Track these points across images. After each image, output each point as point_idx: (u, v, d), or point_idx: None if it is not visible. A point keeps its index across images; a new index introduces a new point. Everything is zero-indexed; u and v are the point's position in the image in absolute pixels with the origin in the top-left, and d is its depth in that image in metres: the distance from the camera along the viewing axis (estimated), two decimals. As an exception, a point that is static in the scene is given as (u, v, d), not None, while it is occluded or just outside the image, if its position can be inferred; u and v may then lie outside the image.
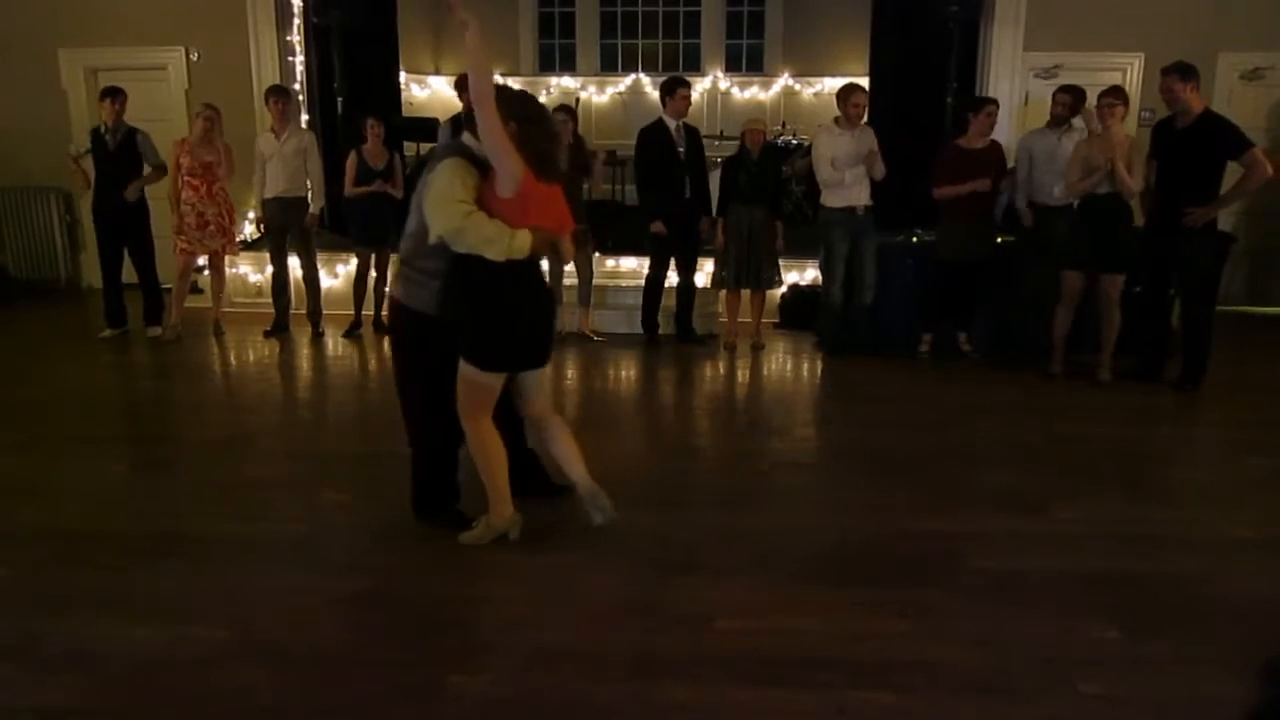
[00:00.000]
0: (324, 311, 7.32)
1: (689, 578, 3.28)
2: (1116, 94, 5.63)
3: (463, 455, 3.57)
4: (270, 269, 7.36)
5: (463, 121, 3.35)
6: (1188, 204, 5.45)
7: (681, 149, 6.67)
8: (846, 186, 6.30)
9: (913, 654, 2.80)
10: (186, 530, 3.68)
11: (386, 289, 3.50)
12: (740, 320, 6.89)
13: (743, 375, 6.34)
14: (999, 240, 6.49)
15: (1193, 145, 5.44)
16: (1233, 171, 5.49)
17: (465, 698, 2.59)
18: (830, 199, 6.42)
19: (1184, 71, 5.43)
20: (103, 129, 6.86)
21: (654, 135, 6.73)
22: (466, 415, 3.35)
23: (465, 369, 3.27)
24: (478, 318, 3.19)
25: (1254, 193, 5.69)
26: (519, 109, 3.13)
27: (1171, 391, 5.69)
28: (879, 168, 6.26)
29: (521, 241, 3.09)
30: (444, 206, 3.06)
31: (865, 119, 6.46)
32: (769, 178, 6.60)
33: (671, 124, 6.68)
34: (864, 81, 6.80)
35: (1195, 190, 5.46)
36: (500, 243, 3.06)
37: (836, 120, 6.42)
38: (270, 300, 7.34)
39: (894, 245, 6.69)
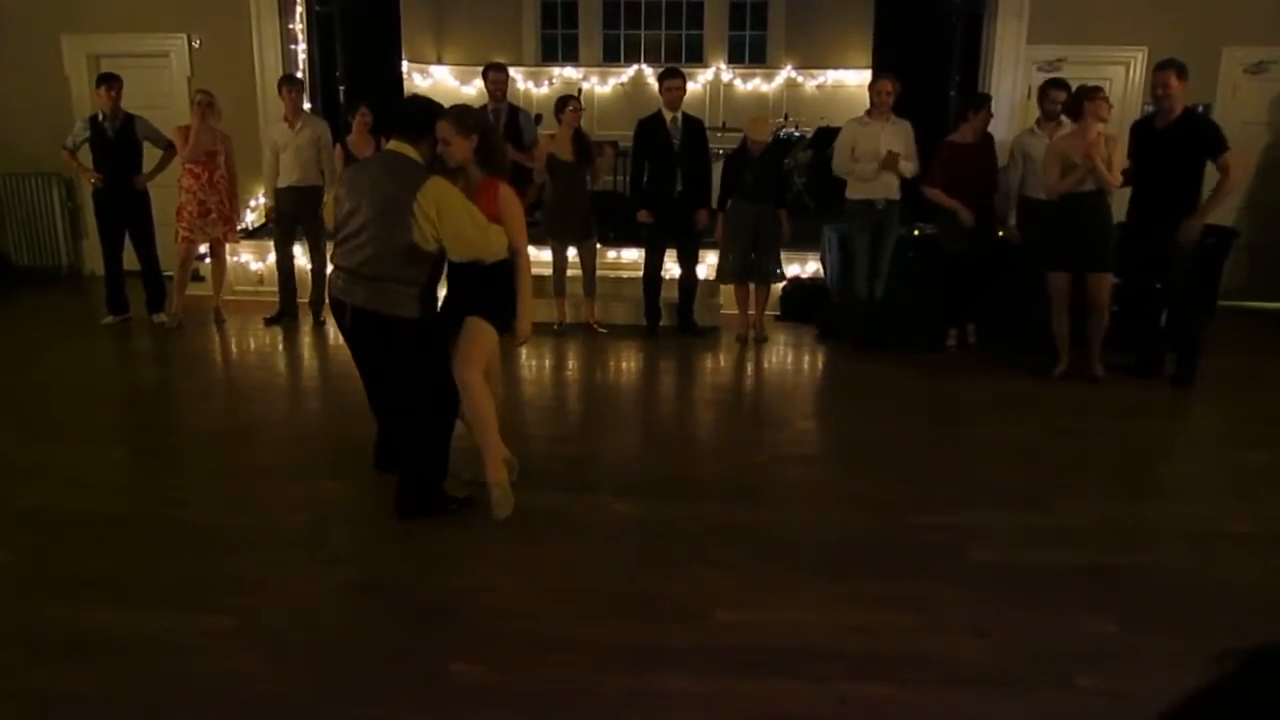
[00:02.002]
0: (326, 301, 7.31)
1: (689, 569, 3.29)
2: (1097, 93, 5.54)
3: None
4: (273, 257, 7.35)
5: (411, 133, 3.54)
6: (1169, 203, 5.43)
7: (677, 140, 6.63)
8: (865, 179, 6.24)
9: (912, 646, 2.81)
10: (188, 518, 3.70)
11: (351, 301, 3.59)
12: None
13: (744, 367, 6.35)
14: (1000, 234, 6.48)
15: (1175, 144, 5.41)
16: (1209, 170, 5.47)
17: (465, 686, 2.61)
18: (848, 191, 6.36)
19: (1181, 69, 5.42)
20: (100, 117, 6.82)
21: (648, 126, 6.73)
22: (474, 367, 3.62)
23: (490, 332, 3.66)
24: (510, 295, 3.71)
25: (1229, 196, 5.65)
26: (477, 124, 3.59)
27: (1170, 387, 5.70)
28: (906, 166, 6.17)
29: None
30: (489, 231, 3.48)
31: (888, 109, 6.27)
32: (773, 173, 6.58)
33: (668, 115, 6.66)
34: (866, 74, 6.74)
35: (1177, 189, 5.43)
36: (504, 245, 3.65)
37: (868, 111, 6.37)
38: (271, 288, 7.33)
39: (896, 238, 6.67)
